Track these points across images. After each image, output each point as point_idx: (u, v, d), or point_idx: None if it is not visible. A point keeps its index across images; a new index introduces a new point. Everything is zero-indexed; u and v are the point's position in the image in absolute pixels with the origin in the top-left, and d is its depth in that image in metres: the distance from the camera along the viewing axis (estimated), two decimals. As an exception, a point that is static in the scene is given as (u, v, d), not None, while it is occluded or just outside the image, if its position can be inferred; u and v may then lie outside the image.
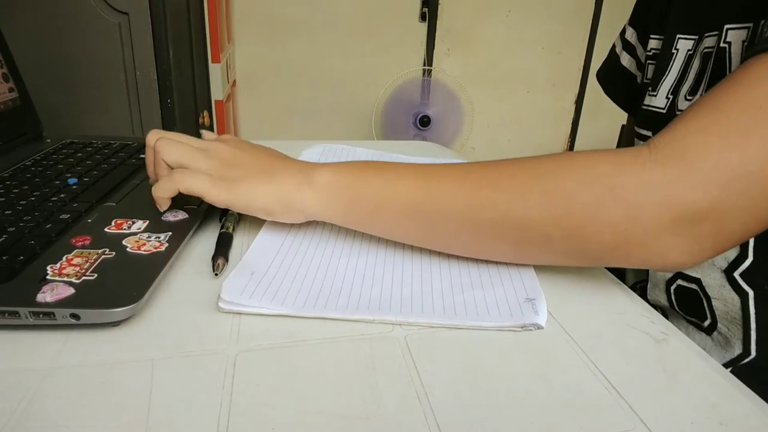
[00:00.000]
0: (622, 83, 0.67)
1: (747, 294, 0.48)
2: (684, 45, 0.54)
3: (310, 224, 0.48)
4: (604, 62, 0.71)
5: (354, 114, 2.29)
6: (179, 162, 0.44)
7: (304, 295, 0.37)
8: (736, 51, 0.47)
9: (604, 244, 0.36)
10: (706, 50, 0.51)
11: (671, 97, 0.54)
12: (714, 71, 0.49)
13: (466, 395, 0.30)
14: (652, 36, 0.60)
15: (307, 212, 0.43)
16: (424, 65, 2.26)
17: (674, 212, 0.34)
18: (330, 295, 0.38)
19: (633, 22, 0.65)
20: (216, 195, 0.42)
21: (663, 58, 0.56)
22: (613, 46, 0.69)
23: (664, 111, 0.55)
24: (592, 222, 0.36)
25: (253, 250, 0.43)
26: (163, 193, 0.44)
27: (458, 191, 0.39)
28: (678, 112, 0.52)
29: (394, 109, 2.18)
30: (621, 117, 0.72)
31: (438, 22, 2.23)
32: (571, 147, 2.88)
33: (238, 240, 0.47)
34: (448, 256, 0.44)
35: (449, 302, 0.38)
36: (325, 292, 0.38)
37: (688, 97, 0.52)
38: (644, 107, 0.58)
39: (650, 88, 0.57)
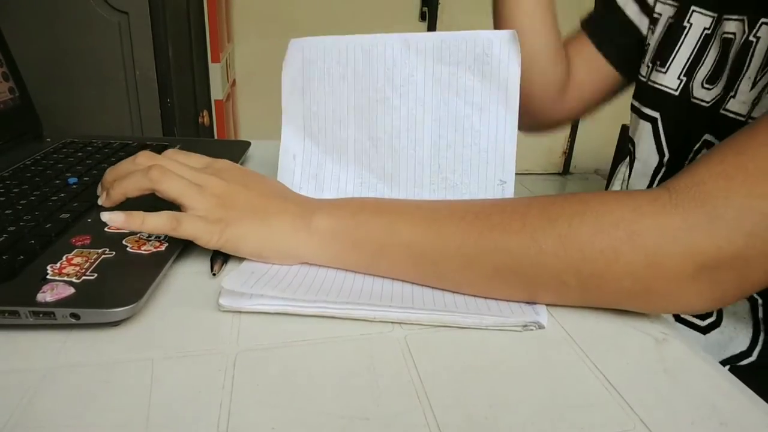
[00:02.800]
0: (624, 39, 0.60)
1: (756, 300, 0.48)
2: (700, 21, 0.51)
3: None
4: (597, 14, 0.63)
5: (354, 113, 2.29)
6: (176, 200, 0.40)
7: (305, 287, 0.37)
8: (761, 48, 0.44)
9: (623, 291, 0.35)
10: (726, 35, 0.48)
11: (684, 79, 0.52)
12: (735, 65, 0.46)
13: (466, 395, 0.30)
14: (660, 0, 0.56)
15: (302, 258, 0.41)
16: (424, 65, 2.26)
17: (697, 261, 0.32)
18: (331, 288, 0.38)
19: None
20: (207, 241, 0.39)
21: (674, 30, 0.53)
22: None
23: (677, 93, 0.52)
24: (610, 270, 0.34)
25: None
26: (154, 230, 0.39)
27: (466, 233, 0.37)
28: (693, 99, 0.50)
29: (394, 108, 2.18)
30: (621, 117, 0.72)
31: (438, 22, 2.23)
32: (571, 147, 2.88)
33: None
34: None
35: (450, 299, 0.38)
36: (327, 285, 0.38)
37: (706, 85, 0.49)
38: (650, 83, 0.55)
39: (657, 62, 0.54)
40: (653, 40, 0.56)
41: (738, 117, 0.45)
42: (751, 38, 0.45)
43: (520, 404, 0.29)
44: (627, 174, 0.60)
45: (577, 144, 2.84)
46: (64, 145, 0.64)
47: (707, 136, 0.48)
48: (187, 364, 0.31)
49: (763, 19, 0.45)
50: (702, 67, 0.50)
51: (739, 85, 0.45)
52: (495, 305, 0.37)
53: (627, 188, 0.58)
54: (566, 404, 0.29)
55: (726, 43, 0.48)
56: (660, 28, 0.56)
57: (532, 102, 0.62)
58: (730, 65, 0.47)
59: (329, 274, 0.40)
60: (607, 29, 0.62)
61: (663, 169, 0.53)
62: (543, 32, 0.58)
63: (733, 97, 0.45)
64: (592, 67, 0.62)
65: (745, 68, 0.45)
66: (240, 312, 0.36)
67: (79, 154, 0.61)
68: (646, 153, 0.55)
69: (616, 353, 0.34)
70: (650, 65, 0.56)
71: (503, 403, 0.29)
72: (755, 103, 0.44)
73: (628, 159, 0.60)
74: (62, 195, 0.49)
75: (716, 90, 0.48)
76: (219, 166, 0.44)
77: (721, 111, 0.46)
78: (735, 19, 0.48)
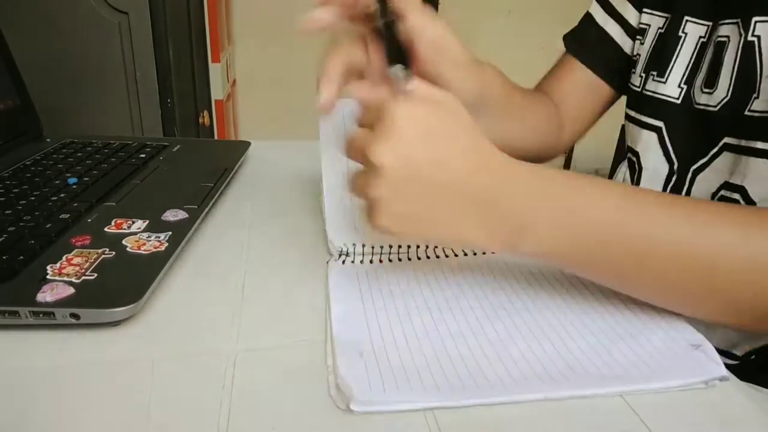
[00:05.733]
0: (609, 54, 0.60)
1: None
2: (695, 30, 0.51)
3: (379, 272, 0.42)
4: (580, 31, 0.63)
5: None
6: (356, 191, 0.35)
7: (439, 376, 0.31)
8: (766, 45, 0.44)
9: None
10: (719, 38, 0.48)
11: (685, 87, 0.52)
12: (743, 66, 0.46)
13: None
14: (646, 10, 0.56)
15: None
16: (424, 65, 2.26)
17: None
18: (469, 372, 0.31)
19: None
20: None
21: (669, 42, 0.53)
22: (590, 16, 0.62)
23: (679, 101, 0.52)
24: None
25: (338, 320, 0.35)
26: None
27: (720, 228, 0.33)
28: (696, 105, 0.50)
29: (394, 108, 2.18)
30: (621, 117, 0.71)
31: (438, 22, 2.23)
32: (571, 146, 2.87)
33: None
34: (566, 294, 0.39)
35: (601, 360, 0.32)
36: (459, 368, 0.32)
37: (705, 90, 0.49)
38: (647, 93, 0.55)
39: (654, 73, 0.54)
40: (644, 50, 0.56)
41: (766, 114, 0.44)
42: (750, 38, 0.45)
43: (520, 404, 0.29)
44: (628, 177, 0.60)
45: (577, 144, 2.84)
46: (64, 145, 0.64)
47: (728, 140, 0.47)
48: (187, 364, 0.31)
49: (755, 18, 0.45)
50: (700, 73, 0.50)
51: (759, 86, 0.45)
52: (657, 363, 0.32)
53: None
54: (566, 404, 0.29)
55: (719, 47, 0.48)
56: (650, 38, 0.56)
57: (535, 155, 0.60)
58: (737, 68, 0.47)
59: (448, 347, 0.33)
60: (590, 45, 0.61)
61: (674, 177, 0.53)
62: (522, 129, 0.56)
63: (757, 97, 0.45)
64: (584, 86, 0.62)
65: (758, 68, 0.45)
66: (240, 311, 0.36)
67: (79, 154, 0.61)
68: (654, 162, 0.54)
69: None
70: (643, 75, 0.55)
71: (503, 402, 0.29)
72: None
73: (627, 164, 0.60)
74: (62, 195, 0.49)
75: (719, 93, 0.48)
76: (399, 120, 0.33)
77: (746, 113, 0.45)
78: (729, 23, 0.48)
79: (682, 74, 0.52)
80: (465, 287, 0.40)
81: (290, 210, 0.54)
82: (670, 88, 0.53)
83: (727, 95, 0.47)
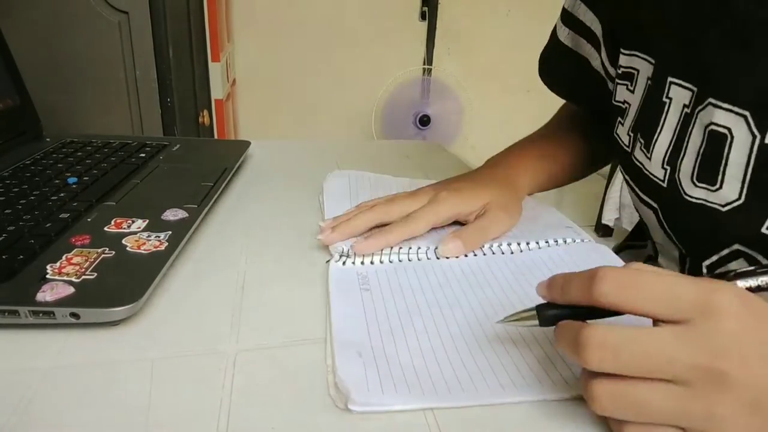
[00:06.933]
0: (592, 90, 0.55)
1: None
2: (679, 96, 0.41)
3: (379, 272, 0.41)
4: (550, 59, 0.60)
5: (354, 113, 2.29)
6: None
7: (437, 377, 0.31)
8: None
9: None
10: (714, 127, 0.38)
11: (668, 168, 0.42)
12: (761, 175, 0.36)
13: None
14: (625, 52, 0.47)
15: None
16: (424, 64, 2.26)
17: None
18: (468, 373, 0.31)
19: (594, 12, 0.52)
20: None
21: (654, 104, 0.43)
22: (563, 49, 0.57)
23: (665, 185, 0.43)
24: None
25: (338, 320, 0.35)
26: None
27: None
28: (687, 196, 0.41)
29: (394, 108, 2.18)
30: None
31: (438, 22, 2.23)
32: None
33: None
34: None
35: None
36: (458, 369, 0.31)
37: (701, 185, 0.40)
38: (637, 162, 0.46)
39: (642, 141, 0.45)
40: (634, 100, 0.46)
41: None
42: None
43: (520, 402, 0.29)
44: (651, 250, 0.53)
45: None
46: (63, 144, 0.64)
47: (740, 248, 0.39)
48: (187, 364, 0.31)
49: None
50: (685, 158, 0.41)
51: None
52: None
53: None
54: (566, 402, 0.29)
55: (717, 139, 0.38)
56: (640, 89, 0.46)
57: (588, 172, 0.65)
58: (752, 172, 0.37)
59: (448, 348, 0.33)
60: (559, 72, 0.62)
61: (687, 259, 0.45)
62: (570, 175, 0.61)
63: None
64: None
65: None
66: (240, 311, 0.36)
67: (79, 153, 0.61)
68: (662, 240, 0.47)
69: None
70: (631, 135, 0.47)
71: (503, 400, 0.29)
72: None
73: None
74: (62, 195, 0.49)
75: (727, 194, 0.38)
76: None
77: (765, 230, 0.37)
78: (728, 110, 0.37)
79: (664, 153, 0.43)
80: (465, 288, 0.40)
81: (290, 209, 0.54)
82: (655, 166, 0.44)
83: (739, 198, 0.38)
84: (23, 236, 0.40)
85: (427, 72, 2.24)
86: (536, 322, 0.29)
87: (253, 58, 2.16)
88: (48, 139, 0.67)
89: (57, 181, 0.52)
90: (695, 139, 0.40)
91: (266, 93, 2.22)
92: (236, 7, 2.07)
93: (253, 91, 2.21)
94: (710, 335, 0.23)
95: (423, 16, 2.22)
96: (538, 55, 0.64)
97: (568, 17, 0.56)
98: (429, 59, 2.26)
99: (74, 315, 0.33)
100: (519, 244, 0.45)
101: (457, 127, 2.25)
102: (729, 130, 0.38)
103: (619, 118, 0.48)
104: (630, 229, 0.66)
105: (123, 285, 0.35)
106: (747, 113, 0.37)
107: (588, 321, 0.26)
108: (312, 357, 0.32)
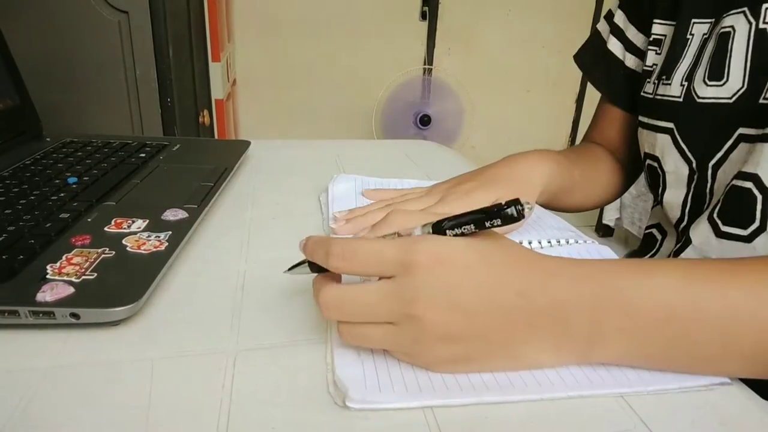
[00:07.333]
0: (606, 68, 0.65)
1: None
2: (699, 29, 0.52)
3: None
4: (586, 46, 0.69)
5: (354, 112, 2.29)
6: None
7: (435, 376, 0.31)
8: None
9: None
10: (722, 30, 0.48)
11: (685, 84, 0.52)
12: (757, 54, 0.46)
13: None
14: (657, 21, 0.57)
15: None
16: (425, 64, 2.25)
17: None
18: (466, 372, 0.31)
19: (623, 4, 0.63)
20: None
21: (677, 45, 0.54)
22: (597, 31, 0.67)
23: (681, 99, 0.52)
24: None
25: None
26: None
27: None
28: (700, 99, 0.50)
29: (394, 108, 2.17)
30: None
31: (438, 21, 2.23)
32: (571, 146, 2.87)
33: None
34: None
35: (599, 363, 0.32)
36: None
37: (711, 83, 0.49)
38: (657, 97, 0.55)
39: (664, 77, 0.54)
40: (660, 60, 0.56)
41: None
42: (762, 25, 0.45)
43: (520, 403, 0.29)
44: (649, 183, 0.60)
45: (578, 143, 2.84)
46: (63, 144, 0.64)
47: (743, 130, 0.47)
48: (187, 364, 0.31)
49: (765, 5, 0.45)
50: (699, 68, 0.50)
51: None
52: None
53: (663, 201, 0.56)
54: (566, 403, 0.29)
55: (723, 38, 0.48)
56: (665, 48, 0.56)
57: (601, 203, 0.69)
58: (750, 58, 0.46)
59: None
60: (594, 59, 0.67)
61: (696, 175, 0.52)
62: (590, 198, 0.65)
63: None
64: (622, 125, 0.66)
65: None
66: (240, 311, 0.36)
67: (79, 153, 0.61)
68: (675, 164, 0.54)
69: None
70: (656, 82, 0.56)
71: (503, 401, 0.29)
72: None
73: (647, 170, 0.59)
74: (62, 195, 0.49)
75: (733, 84, 0.47)
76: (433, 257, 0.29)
77: (762, 101, 0.45)
78: (733, 14, 0.47)
79: (684, 73, 0.52)
80: None
81: (290, 209, 0.54)
82: (674, 88, 0.53)
83: (743, 86, 0.47)
84: (23, 236, 0.40)
85: (428, 72, 2.24)
86: (308, 270, 0.34)
87: (253, 58, 2.16)
88: (48, 139, 0.67)
89: (57, 181, 0.52)
90: (709, 50, 0.49)
91: (266, 93, 2.22)
92: (236, 7, 2.07)
93: (254, 91, 2.21)
94: (405, 287, 0.29)
95: (423, 16, 2.22)
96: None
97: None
98: (429, 59, 2.26)
99: (74, 315, 0.33)
100: (522, 243, 0.45)
101: (458, 126, 2.25)
102: (732, 27, 0.47)
103: (647, 79, 0.57)
104: (630, 229, 0.68)
105: (123, 285, 0.35)
106: (745, 8, 0.47)
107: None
108: (312, 357, 0.32)
